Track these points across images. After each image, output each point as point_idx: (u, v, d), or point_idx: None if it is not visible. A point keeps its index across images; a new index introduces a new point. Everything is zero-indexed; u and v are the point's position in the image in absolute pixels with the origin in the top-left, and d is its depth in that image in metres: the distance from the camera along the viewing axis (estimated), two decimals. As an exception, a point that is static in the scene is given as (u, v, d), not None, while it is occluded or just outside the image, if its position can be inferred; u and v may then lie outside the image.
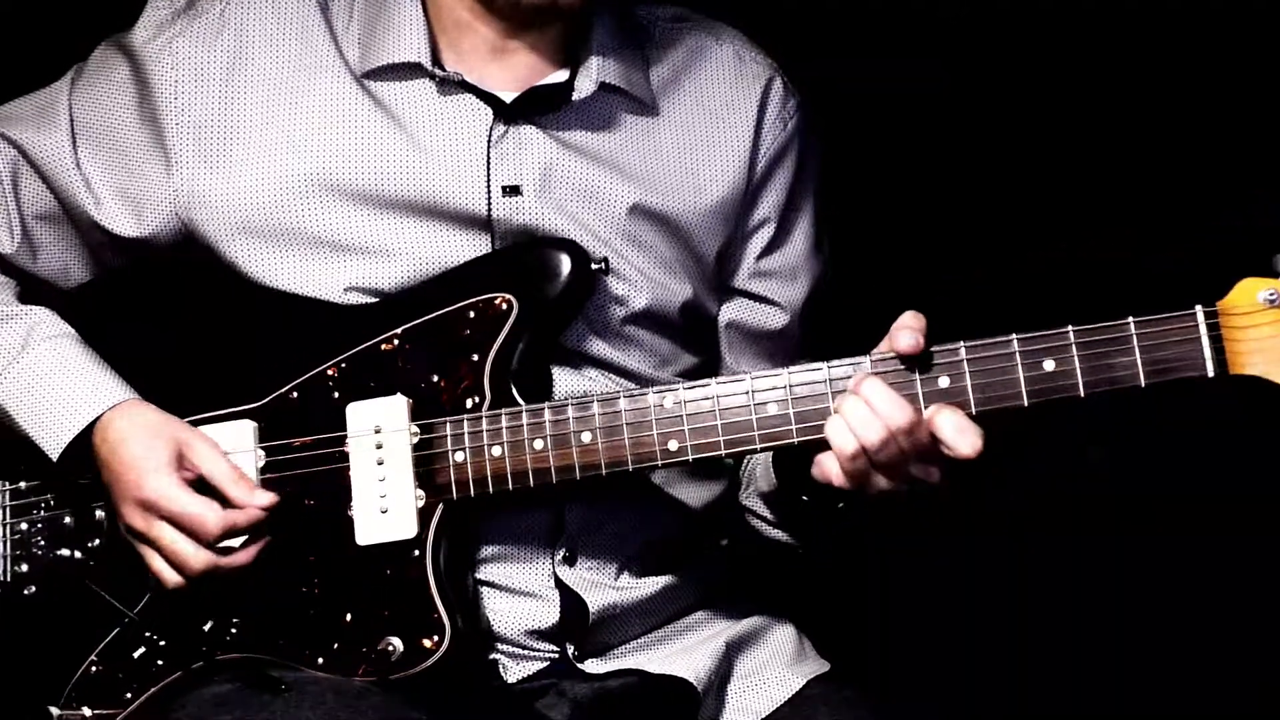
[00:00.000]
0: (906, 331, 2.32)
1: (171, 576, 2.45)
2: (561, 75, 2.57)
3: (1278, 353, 2.27)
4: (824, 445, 2.36)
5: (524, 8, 2.49)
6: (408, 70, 2.56)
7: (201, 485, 2.45)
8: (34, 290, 2.63)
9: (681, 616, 2.65)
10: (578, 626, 2.55)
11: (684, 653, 2.60)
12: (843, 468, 2.32)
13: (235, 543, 2.45)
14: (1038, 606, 3.49)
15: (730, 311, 2.70)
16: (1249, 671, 3.39)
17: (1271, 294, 2.28)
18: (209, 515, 2.42)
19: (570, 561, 2.56)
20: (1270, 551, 3.30)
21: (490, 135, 2.54)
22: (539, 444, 2.43)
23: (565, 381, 2.54)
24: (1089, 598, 3.49)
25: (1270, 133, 3.14)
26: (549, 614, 2.54)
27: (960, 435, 2.29)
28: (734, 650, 2.63)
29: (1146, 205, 3.20)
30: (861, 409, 2.30)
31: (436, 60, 2.55)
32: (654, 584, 2.61)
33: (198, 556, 2.42)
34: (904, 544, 3.28)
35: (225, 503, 2.44)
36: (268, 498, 2.44)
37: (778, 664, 2.65)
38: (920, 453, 2.31)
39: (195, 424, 2.51)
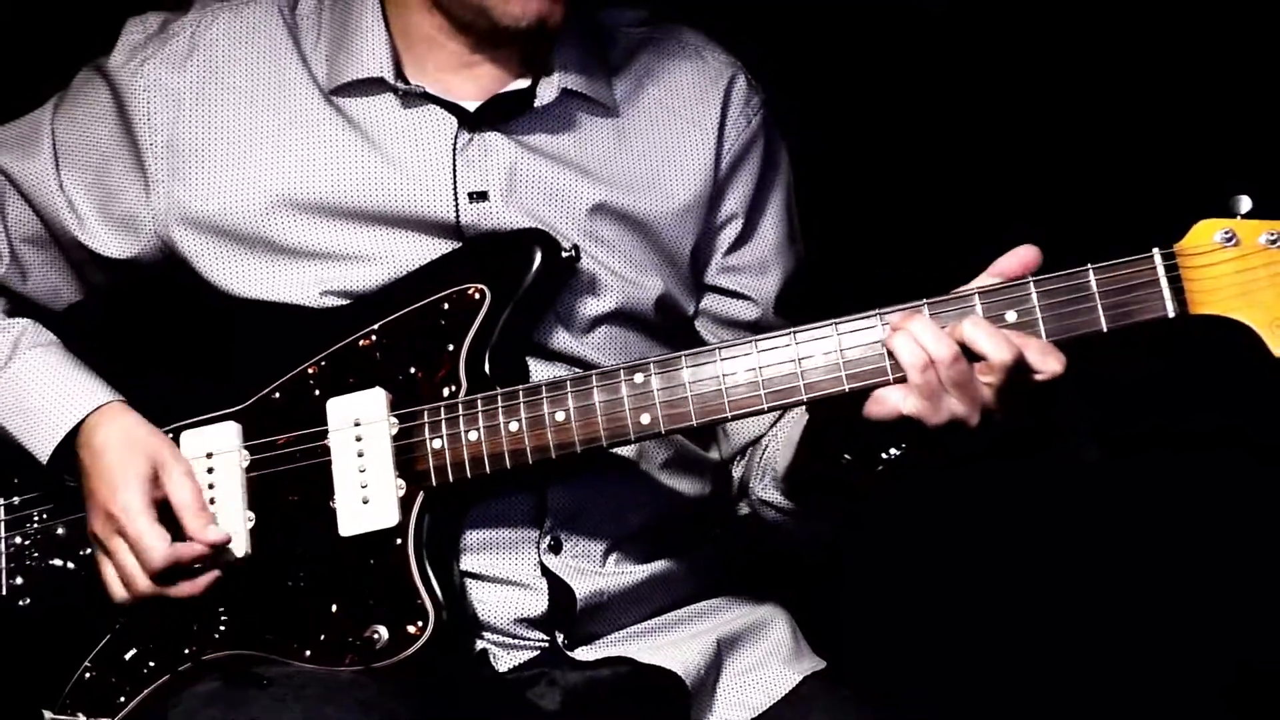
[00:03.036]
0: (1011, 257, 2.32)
1: (118, 591, 2.50)
2: (524, 83, 2.63)
3: (1236, 290, 2.28)
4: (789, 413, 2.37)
5: (510, 31, 2.54)
6: (372, 85, 2.62)
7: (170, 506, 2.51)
8: (25, 312, 2.69)
9: (674, 608, 2.65)
10: (566, 614, 2.56)
11: (674, 646, 2.60)
12: (913, 383, 2.27)
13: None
14: (1037, 606, 3.47)
15: (704, 307, 2.73)
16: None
17: (1227, 233, 2.29)
18: (157, 548, 2.46)
19: (556, 549, 2.57)
20: (1243, 490, 3.28)
21: (455, 143, 2.59)
22: (514, 426, 2.46)
23: (544, 379, 2.55)
24: (1089, 597, 3.46)
25: (1247, 120, 3.18)
26: (537, 603, 2.55)
27: (1044, 357, 2.27)
28: (726, 647, 2.63)
29: (1116, 192, 3.23)
30: (929, 326, 2.28)
31: (400, 74, 2.61)
32: (642, 572, 2.61)
33: (143, 581, 2.48)
34: (902, 542, 3.27)
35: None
36: (218, 535, 2.48)
37: (774, 661, 2.64)
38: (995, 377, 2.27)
39: (182, 428, 2.57)
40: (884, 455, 2.43)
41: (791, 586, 2.74)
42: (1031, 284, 2.32)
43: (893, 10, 3.30)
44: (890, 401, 2.31)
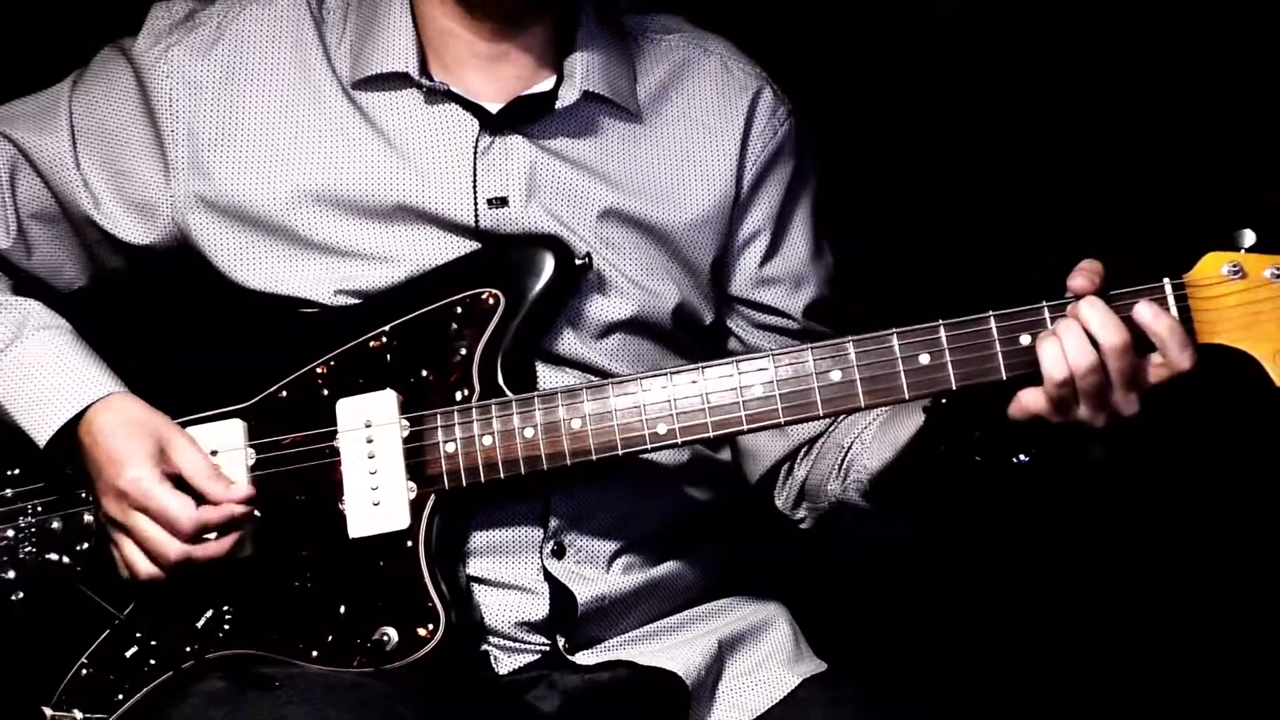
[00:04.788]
0: (1081, 273, 2.37)
1: (145, 566, 2.47)
2: (547, 84, 2.63)
3: (1242, 321, 2.37)
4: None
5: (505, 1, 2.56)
6: (395, 80, 2.61)
7: (183, 482, 2.48)
8: (26, 289, 2.66)
9: (674, 612, 2.67)
10: (567, 619, 2.58)
11: (675, 648, 2.62)
12: (1048, 394, 2.33)
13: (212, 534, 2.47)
14: (1038, 606, 3.53)
15: (737, 320, 2.74)
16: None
17: (1234, 266, 2.38)
18: (183, 512, 2.44)
19: (559, 554, 2.58)
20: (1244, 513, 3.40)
21: (476, 146, 2.60)
22: (529, 432, 2.47)
23: (555, 385, 2.56)
24: (1089, 597, 3.53)
25: (1248, 127, 3.27)
26: (539, 607, 2.57)
27: (1182, 350, 2.32)
28: (727, 649, 2.65)
29: (1120, 194, 3.30)
30: (1076, 333, 2.32)
31: (424, 71, 2.61)
32: (643, 577, 2.63)
33: (172, 547, 2.45)
34: (904, 544, 3.32)
35: (205, 499, 2.47)
36: (243, 491, 2.47)
37: (774, 663, 2.66)
38: (1125, 379, 2.33)
39: (186, 424, 2.54)
40: (1014, 460, 2.46)
41: (794, 589, 2.77)
42: (1046, 309, 2.39)
43: (902, 15, 3.33)
44: (1024, 400, 2.36)
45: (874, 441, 2.61)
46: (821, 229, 2.77)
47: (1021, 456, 2.45)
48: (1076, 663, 3.55)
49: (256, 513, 2.50)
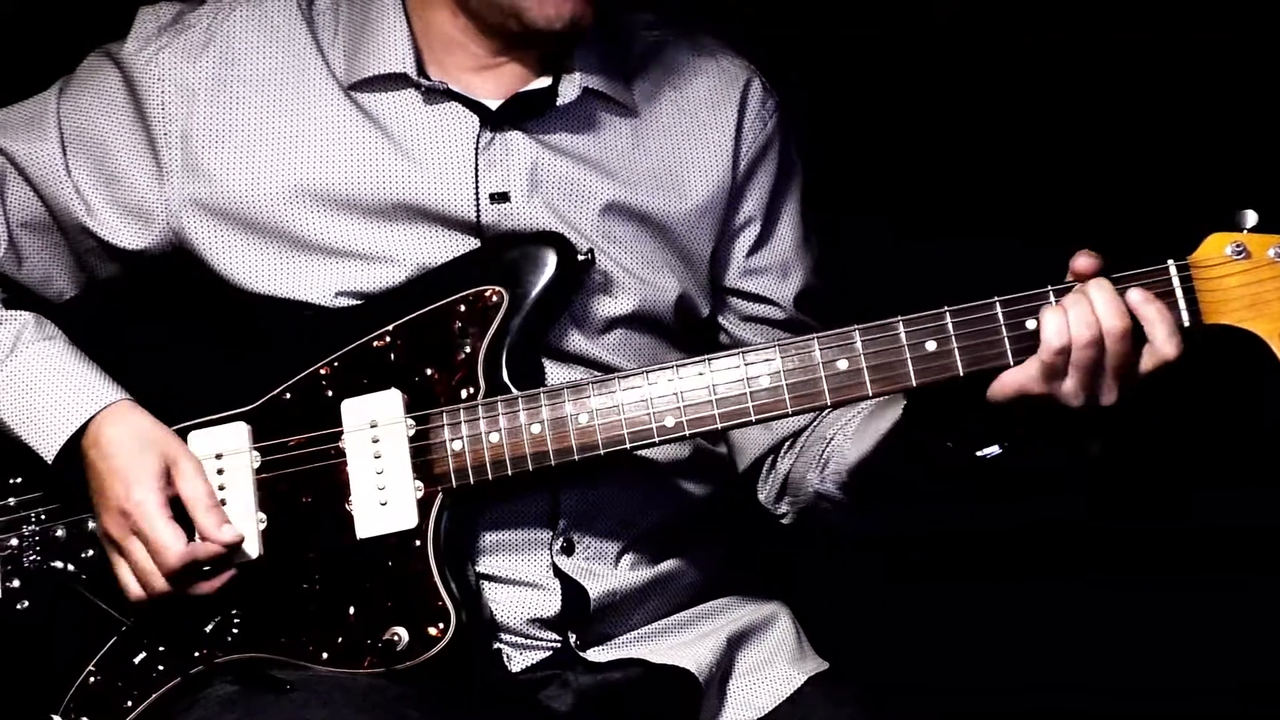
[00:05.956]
0: (1084, 254, 2.38)
1: (135, 589, 2.47)
2: (545, 81, 2.63)
3: (1247, 300, 2.38)
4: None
5: (544, 33, 2.53)
6: (393, 81, 2.61)
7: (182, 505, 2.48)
8: (15, 301, 2.65)
9: (684, 608, 2.66)
10: (579, 615, 2.57)
11: (686, 645, 2.62)
12: (1042, 360, 2.33)
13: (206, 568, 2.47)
14: (1039, 609, 3.53)
15: (727, 311, 2.75)
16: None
17: (1238, 246, 2.39)
18: (172, 547, 2.44)
19: (568, 550, 2.58)
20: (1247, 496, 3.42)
21: (478, 142, 2.59)
22: (536, 428, 2.47)
23: (558, 380, 2.56)
24: (1090, 597, 3.53)
25: (1249, 118, 3.29)
26: (550, 603, 2.56)
27: (1169, 337, 2.34)
28: (735, 645, 2.65)
29: (1122, 182, 3.32)
30: (1084, 307, 2.33)
31: (421, 70, 2.61)
32: (653, 572, 2.63)
33: (159, 580, 2.45)
34: (904, 544, 3.32)
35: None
36: (232, 534, 2.46)
37: (779, 661, 2.66)
38: (1118, 364, 2.34)
39: (189, 428, 2.53)
40: (979, 454, 2.46)
41: (797, 587, 2.77)
42: (1051, 293, 2.39)
43: (898, 14, 3.34)
44: (1008, 377, 2.36)
45: (855, 433, 2.62)
46: (809, 218, 2.78)
47: (992, 450, 2.45)
48: (1077, 662, 3.55)
49: (263, 515, 2.50)
